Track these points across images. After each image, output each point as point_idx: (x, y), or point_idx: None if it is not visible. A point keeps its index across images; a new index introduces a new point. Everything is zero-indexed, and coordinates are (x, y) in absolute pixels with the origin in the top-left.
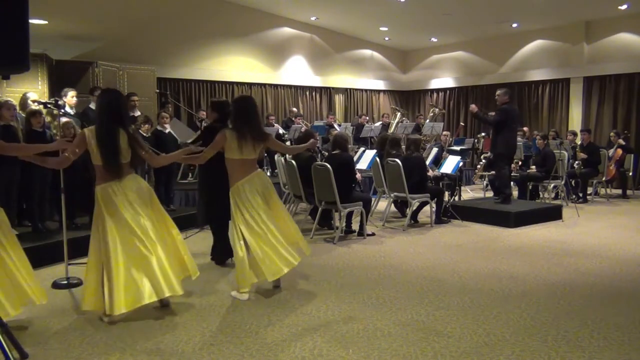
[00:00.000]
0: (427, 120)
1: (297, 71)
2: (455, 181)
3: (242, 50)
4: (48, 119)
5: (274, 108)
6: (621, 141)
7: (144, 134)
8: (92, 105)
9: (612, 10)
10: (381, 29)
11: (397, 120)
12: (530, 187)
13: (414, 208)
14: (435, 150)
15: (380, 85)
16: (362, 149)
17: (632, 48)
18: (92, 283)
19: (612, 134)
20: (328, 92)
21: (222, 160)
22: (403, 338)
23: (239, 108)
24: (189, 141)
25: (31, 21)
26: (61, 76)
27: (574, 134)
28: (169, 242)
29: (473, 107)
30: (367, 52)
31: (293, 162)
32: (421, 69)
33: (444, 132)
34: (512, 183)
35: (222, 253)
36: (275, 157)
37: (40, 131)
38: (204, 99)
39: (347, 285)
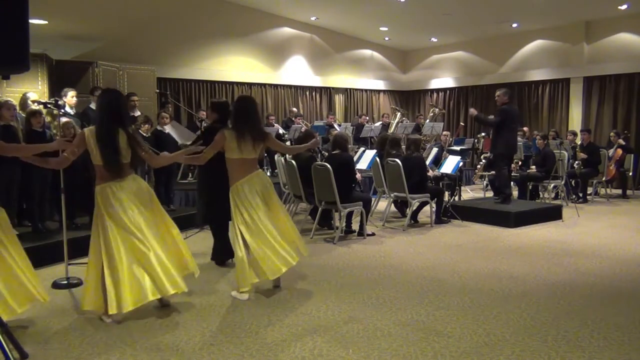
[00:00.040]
0: (427, 120)
1: (297, 71)
2: (455, 181)
3: (242, 50)
4: (48, 119)
5: (274, 108)
6: (621, 141)
7: (144, 134)
8: (93, 105)
9: (612, 10)
10: (381, 29)
11: (397, 120)
12: (530, 187)
13: (414, 208)
14: (435, 150)
15: (380, 85)
16: (362, 149)
17: (632, 48)
18: (92, 283)
19: (612, 134)
20: (328, 92)
21: (222, 160)
22: (403, 338)
23: (239, 108)
24: (189, 143)
25: (31, 21)
26: (61, 76)
27: (574, 134)
28: (169, 242)
29: (472, 111)
30: (367, 52)
31: (293, 162)
32: (421, 69)
33: (444, 132)
34: (512, 183)
35: (222, 253)
36: (275, 157)
37: (40, 131)
38: (204, 99)
39: (347, 285)
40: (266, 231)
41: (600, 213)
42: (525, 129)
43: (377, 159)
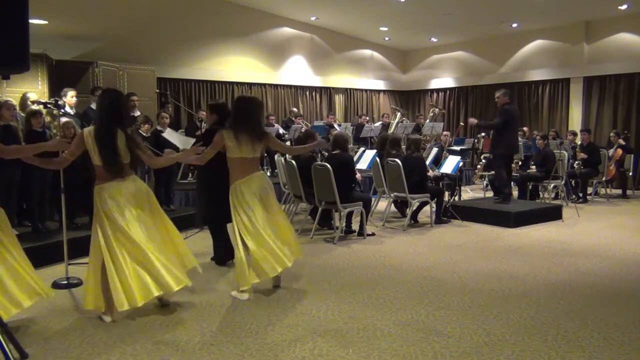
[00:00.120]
0: (427, 120)
1: (297, 71)
2: (455, 181)
3: (242, 50)
4: (48, 119)
5: (274, 108)
6: (621, 141)
7: (144, 134)
8: (93, 105)
9: (612, 10)
10: (381, 29)
11: (397, 120)
12: (530, 187)
13: (414, 208)
14: (435, 150)
15: (380, 85)
16: (362, 149)
17: (632, 48)
18: (93, 282)
19: (612, 134)
20: (328, 92)
21: (222, 160)
22: (403, 338)
23: (237, 108)
24: (189, 147)
25: (31, 21)
26: (61, 76)
27: (574, 134)
28: (168, 243)
29: (472, 121)
30: (367, 52)
31: (293, 162)
32: (421, 69)
33: (444, 132)
34: (512, 183)
35: (222, 253)
36: (275, 157)
37: (40, 131)
38: (204, 99)
39: (347, 285)
40: (263, 232)
41: (600, 213)
42: (525, 129)
43: (377, 159)
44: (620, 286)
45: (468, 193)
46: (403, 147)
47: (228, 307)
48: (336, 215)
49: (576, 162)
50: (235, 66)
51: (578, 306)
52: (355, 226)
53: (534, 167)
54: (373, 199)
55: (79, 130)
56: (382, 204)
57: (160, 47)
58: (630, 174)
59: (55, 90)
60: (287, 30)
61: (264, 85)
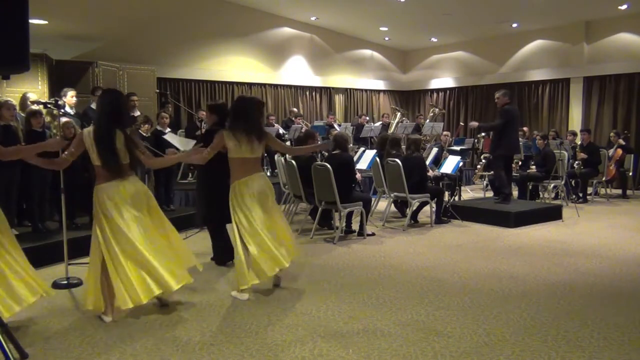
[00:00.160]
0: (427, 120)
1: (297, 71)
2: (455, 181)
3: (242, 50)
4: (48, 119)
5: (274, 108)
6: (621, 141)
7: (144, 134)
8: (93, 105)
9: (612, 10)
10: (381, 29)
11: (397, 120)
12: (530, 187)
13: (414, 208)
14: (435, 150)
15: (380, 85)
16: (362, 149)
17: (632, 48)
18: (93, 283)
19: (612, 134)
20: (328, 92)
21: (222, 160)
22: (403, 338)
23: (236, 108)
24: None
25: (31, 21)
26: (61, 76)
27: (574, 134)
28: (167, 243)
29: (473, 124)
30: (367, 52)
31: (293, 162)
32: (421, 69)
33: (444, 132)
34: (512, 183)
35: (222, 253)
36: (275, 157)
37: (40, 131)
38: (204, 99)
39: (347, 285)
40: (261, 232)
41: (600, 213)
42: (525, 129)
43: (377, 159)
44: (620, 286)
45: (468, 193)
46: (403, 147)
47: (228, 307)
48: (336, 215)
49: (576, 162)
50: (235, 66)
51: (578, 306)
52: (355, 226)
53: (534, 167)
54: (373, 199)
55: (79, 131)
56: (382, 204)
57: (160, 47)
58: (630, 174)
59: (55, 90)
60: (287, 30)
61: (264, 85)
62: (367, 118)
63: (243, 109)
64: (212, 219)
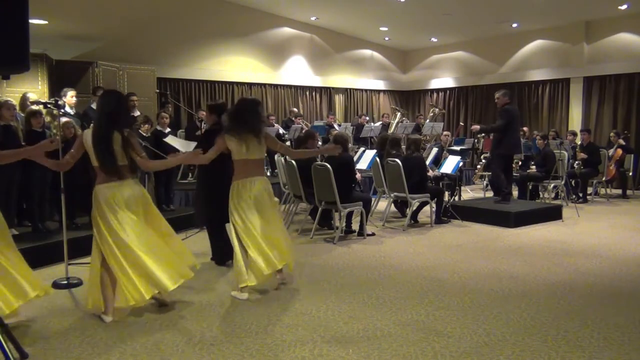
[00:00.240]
0: (427, 120)
1: (297, 71)
2: (455, 181)
3: (242, 50)
4: (48, 119)
5: (274, 108)
6: (621, 141)
7: (144, 134)
8: (93, 105)
9: (612, 10)
10: (381, 29)
11: (397, 120)
12: (530, 187)
13: (414, 208)
14: (435, 150)
15: (380, 85)
16: (362, 149)
17: (632, 48)
18: (94, 282)
19: (612, 134)
20: (328, 92)
21: (222, 161)
22: (403, 338)
23: (236, 110)
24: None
25: (31, 21)
26: (61, 76)
27: (574, 134)
28: (164, 245)
29: (475, 127)
30: (367, 52)
31: (293, 162)
32: (421, 69)
33: (444, 132)
34: (512, 183)
35: (221, 253)
36: (275, 157)
37: (40, 131)
38: (204, 99)
39: (347, 285)
40: (255, 233)
41: (600, 213)
42: (525, 129)
43: (377, 159)
44: (620, 286)
45: (468, 193)
46: (403, 147)
47: (228, 307)
48: (336, 215)
49: (576, 162)
50: (235, 66)
51: (578, 306)
52: (355, 226)
53: (534, 167)
54: (373, 199)
55: (79, 131)
56: (382, 204)
57: (160, 47)
58: (630, 174)
59: (55, 90)
60: (287, 30)
61: (264, 85)
62: (367, 118)
63: (240, 111)
64: (211, 219)
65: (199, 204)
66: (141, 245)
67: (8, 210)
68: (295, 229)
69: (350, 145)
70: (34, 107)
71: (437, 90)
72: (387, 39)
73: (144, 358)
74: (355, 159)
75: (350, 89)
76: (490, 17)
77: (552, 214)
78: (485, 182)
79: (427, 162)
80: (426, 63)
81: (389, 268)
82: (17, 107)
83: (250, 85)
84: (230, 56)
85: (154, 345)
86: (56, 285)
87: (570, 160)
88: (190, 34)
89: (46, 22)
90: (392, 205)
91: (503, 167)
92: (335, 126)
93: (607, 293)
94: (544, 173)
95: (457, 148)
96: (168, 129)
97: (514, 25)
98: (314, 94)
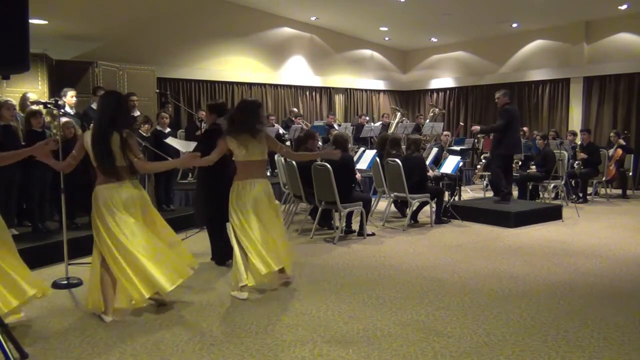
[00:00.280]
0: (427, 120)
1: (297, 71)
2: (455, 181)
3: (242, 50)
4: (48, 119)
5: (274, 108)
6: (621, 141)
7: (144, 134)
8: (94, 105)
9: (612, 10)
10: (381, 29)
11: (397, 120)
12: (530, 187)
13: (414, 208)
14: (435, 150)
15: (380, 85)
16: (362, 149)
17: (632, 48)
18: (96, 282)
19: (612, 134)
20: (328, 92)
21: (222, 161)
22: (403, 338)
23: (235, 112)
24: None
25: (31, 21)
26: (61, 76)
27: (574, 134)
28: (162, 246)
29: (475, 128)
30: (367, 52)
31: (293, 162)
32: (421, 69)
33: (444, 132)
34: (512, 183)
35: (221, 253)
36: (275, 157)
37: (40, 131)
38: (204, 99)
39: (347, 285)
40: (251, 234)
41: (600, 213)
42: (525, 129)
43: (377, 159)
44: (620, 286)
45: (468, 193)
46: (403, 147)
47: (228, 307)
48: (336, 215)
49: (576, 162)
50: (235, 66)
51: (578, 306)
52: (355, 226)
53: (534, 167)
54: (373, 199)
55: (79, 131)
56: (382, 204)
57: (160, 47)
58: (630, 174)
59: (55, 90)
60: (287, 30)
61: (264, 85)
62: (367, 118)
63: (242, 112)
64: (211, 219)
65: (199, 204)
66: (138, 247)
67: (8, 210)
68: (295, 229)
69: (350, 145)
70: (34, 107)
71: (437, 90)
72: (387, 39)
73: (144, 358)
74: (355, 159)
75: (350, 89)
76: (490, 17)
77: (552, 214)
78: (485, 182)
79: (427, 162)
80: (426, 63)
81: (389, 268)
82: (17, 107)
83: (250, 85)
84: (230, 56)
85: (154, 345)
86: (56, 285)
87: (570, 160)
88: (190, 34)
89: (46, 22)
90: (392, 205)
91: (503, 167)
92: (335, 126)
93: (607, 293)
94: (544, 173)
95: (457, 148)
96: (168, 129)
97: (514, 25)
98: (314, 94)
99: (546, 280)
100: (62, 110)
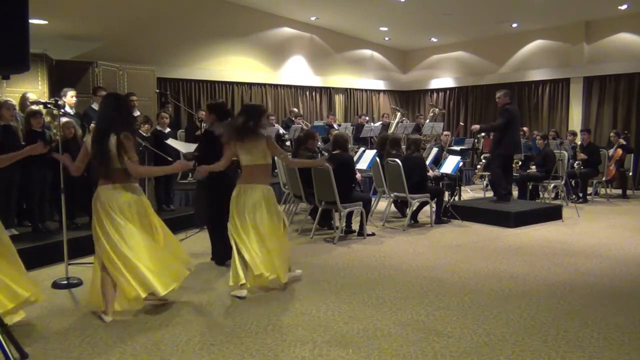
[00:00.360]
0: (427, 120)
1: (297, 71)
2: (455, 181)
3: (242, 50)
4: (48, 119)
5: (274, 108)
6: (621, 141)
7: (144, 134)
8: (94, 106)
9: (612, 10)
10: (381, 29)
11: (397, 120)
12: (530, 187)
13: (414, 208)
14: (435, 150)
15: (380, 85)
16: (362, 149)
17: (632, 48)
18: (96, 282)
19: (612, 134)
20: (328, 92)
21: None
22: (403, 338)
23: (237, 116)
24: (193, 150)
25: (31, 21)
26: (61, 76)
27: (574, 134)
28: (158, 249)
29: (475, 127)
30: (367, 52)
31: None
32: (421, 69)
33: (444, 132)
34: (512, 183)
35: (221, 253)
36: (275, 157)
37: (40, 131)
38: (204, 99)
39: (347, 285)
40: (246, 238)
41: (600, 213)
42: (525, 129)
43: (377, 159)
44: (620, 286)
45: (468, 193)
46: (403, 147)
47: (228, 307)
48: (336, 215)
49: (576, 162)
50: (235, 66)
51: (578, 306)
52: (355, 226)
53: (534, 167)
54: (373, 199)
55: (79, 131)
56: (382, 204)
57: (160, 47)
58: (630, 174)
59: (55, 90)
60: (287, 30)
61: (264, 85)
62: (367, 118)
63: (244, 116)
64: (211, 219)
65: (199, 204)
66: (134, 251)
67: (8, 210)
68: (295, 229)
69: (350, 145)
70: (34, 107)
71: (437, 90)
72: (387, 39)
73: (144, 358)
74: (355, 159)
75: (350, 89)
76: (490, 17)
77: (552, 214)
78: (485, 182)
79: (427, 162)
80: (426, 63)
81: (389, 268)
82: (17, 107)
83: (250, 85)
84: (230, 56)
85: (154, 345)
86: (56, 285)
87: (570, 160)
88: (190, 34)
89: (46, 22)
90: (392, 205)
91: (503, 167)
92: (335, 126)
93: (607, 293)
94: (544, 173)
95: (457, 148)
96: (168, 129)
97: (514, 25)
98: (314, 94)
99: (546, 280)
100: (62, 110)
